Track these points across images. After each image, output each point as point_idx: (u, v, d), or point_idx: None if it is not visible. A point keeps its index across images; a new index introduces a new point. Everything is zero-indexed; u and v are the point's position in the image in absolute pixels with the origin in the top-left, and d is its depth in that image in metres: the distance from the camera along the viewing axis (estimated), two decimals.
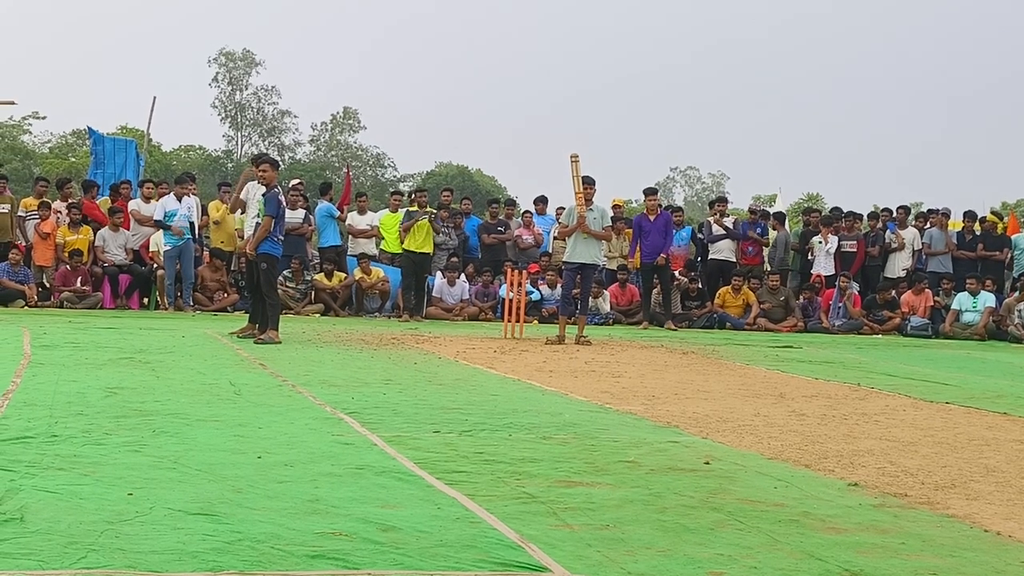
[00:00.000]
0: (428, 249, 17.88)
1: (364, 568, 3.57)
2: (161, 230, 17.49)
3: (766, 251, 20.58)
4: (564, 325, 13.92)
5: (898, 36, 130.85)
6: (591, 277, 14.63)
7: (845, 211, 21.26)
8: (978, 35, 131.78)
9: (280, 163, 19.19)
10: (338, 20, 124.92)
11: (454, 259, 19.04)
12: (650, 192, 18.91)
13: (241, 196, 13.50)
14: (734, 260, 20.10)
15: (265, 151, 69.20)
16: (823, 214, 22.11)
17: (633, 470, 5.43)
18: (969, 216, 21.17)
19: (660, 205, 19.05)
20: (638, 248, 18.38)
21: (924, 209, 22.81)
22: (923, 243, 20.59)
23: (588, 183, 13.79)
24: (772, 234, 20.77)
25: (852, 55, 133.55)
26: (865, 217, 21.42)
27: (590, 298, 18.64)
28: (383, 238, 19.35)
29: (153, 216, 17.98)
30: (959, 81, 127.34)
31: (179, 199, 17.73)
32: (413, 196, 19.60)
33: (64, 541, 3.69)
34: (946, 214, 21.37)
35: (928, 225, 21.04)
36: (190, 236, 17.67)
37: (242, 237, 13.40)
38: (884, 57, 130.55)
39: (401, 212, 18.98)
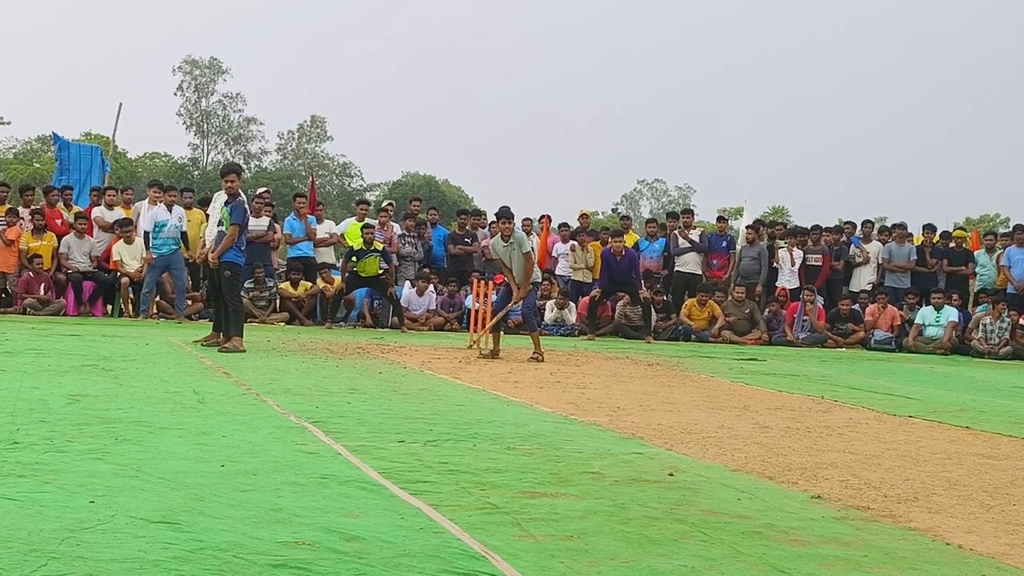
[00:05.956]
0: (377, 272, 17.76)
1: None
2: (143, 238, 17.29)
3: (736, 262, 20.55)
4: (498, 339, 13.38)
5: (863, 51, 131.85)
6: (534, 294, 14.14)
7: (810, 225, 21.33)
8: (943, 50, 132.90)
9: (244, 169, 19.10)
10: (305, 29, 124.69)
11: (425, 269, 19.13)
12: (616, 234, 19.13)
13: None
14: (699, 273, 20.19)
15: (231, 159, 69.04)
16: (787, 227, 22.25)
17: (597, 481, 5.43)
18: (928, 229, 21.22)
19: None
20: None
21: (888, 224, 22.73)
22: (883, 258, 20.67)
23: (505, 216, 13.48)
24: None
25: (817, 70, 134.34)
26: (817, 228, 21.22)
27: (557, 309, 18.88)
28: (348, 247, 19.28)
29: (126, 223, 17.90)
30: (925, 98, 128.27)
31: (169, 208, 17.51)
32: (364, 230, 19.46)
33: (24, 548, 3.65)
34: (902, 227, 21.21)
35: (890, 239, 21.07)
36: (179, 245, 17.50)
37: (203, 246, 13.30)
38: (850, 72, 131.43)
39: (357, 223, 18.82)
